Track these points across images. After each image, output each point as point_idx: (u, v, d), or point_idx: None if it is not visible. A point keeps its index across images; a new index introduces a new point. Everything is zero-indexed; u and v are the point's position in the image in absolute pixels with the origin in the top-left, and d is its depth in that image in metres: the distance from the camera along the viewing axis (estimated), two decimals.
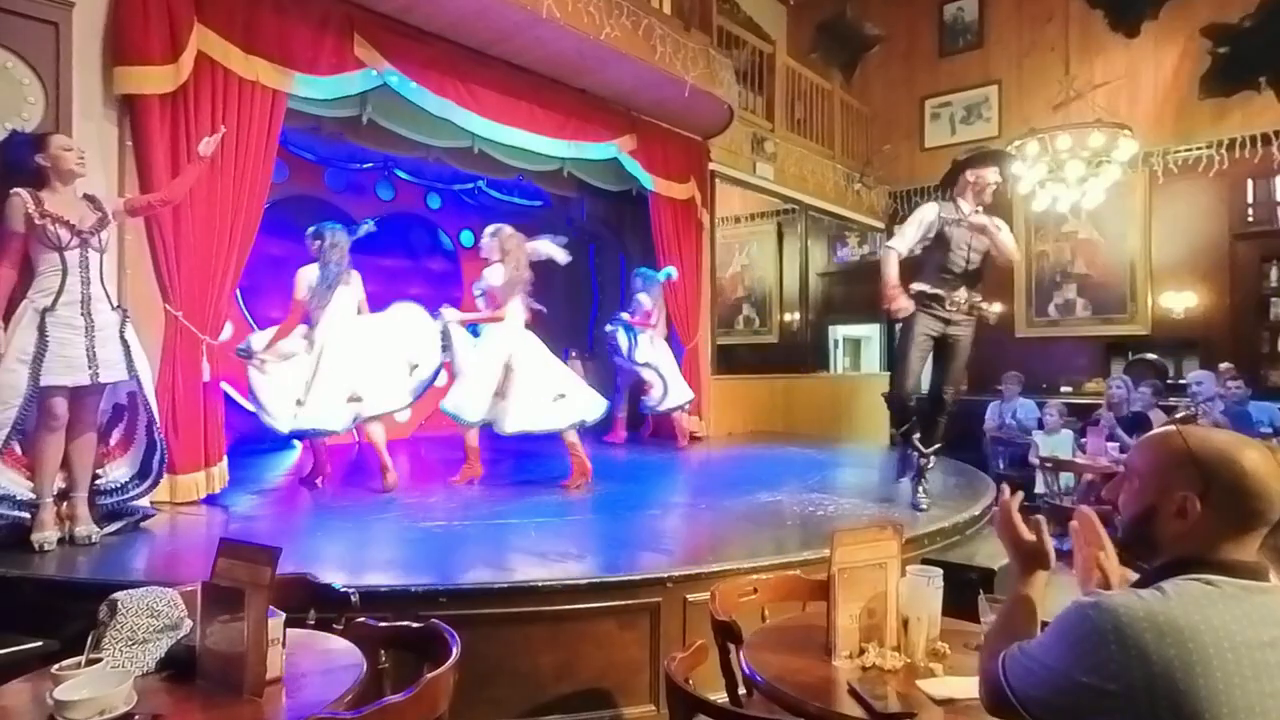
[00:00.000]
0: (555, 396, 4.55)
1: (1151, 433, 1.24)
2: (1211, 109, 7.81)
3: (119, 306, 3.20)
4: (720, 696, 1.78)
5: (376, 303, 4.75)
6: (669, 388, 6.48)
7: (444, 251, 7.59)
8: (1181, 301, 8.01)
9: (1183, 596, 1.02)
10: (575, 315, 7.85)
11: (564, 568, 2.82)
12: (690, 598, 2.67)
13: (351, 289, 4.45)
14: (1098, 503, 4.80)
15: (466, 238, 7.45)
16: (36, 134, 3.17)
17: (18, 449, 2.97)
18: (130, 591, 1.65)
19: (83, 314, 3.00)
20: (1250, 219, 7.80)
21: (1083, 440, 5.71)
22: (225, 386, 4.23)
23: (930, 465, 4.01)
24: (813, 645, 1.74)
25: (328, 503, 4.19)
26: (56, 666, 1.45)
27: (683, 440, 6.69)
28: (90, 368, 2.99)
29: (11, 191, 2.94)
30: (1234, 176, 7.72)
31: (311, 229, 4.48)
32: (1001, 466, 7.02)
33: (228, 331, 4.32)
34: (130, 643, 1.56)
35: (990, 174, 3.90)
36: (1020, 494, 1.45)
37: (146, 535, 3.28)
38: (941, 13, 9.59)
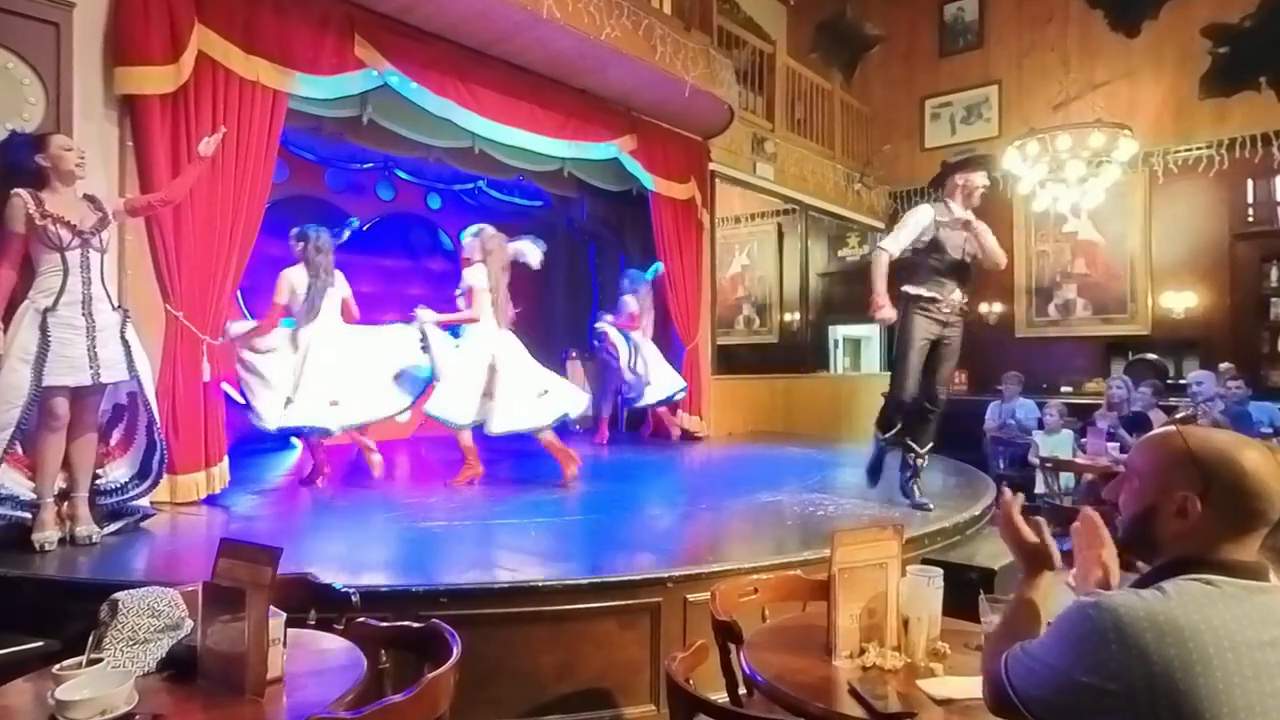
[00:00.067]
0: (539, 394, 4.61)
1: (1152, 433, 1.24)
2: (1211, 109, 7.82)
3: (120, 306, 3.20)
4: (721, 696, 1.78)
5: (376, 302, 4.76)
6: (652, 383, 6.49)
7: (444, 252, 7.59)
8: (1181, 301, 8.01)
9: (1183, 596, 1.02)
10: (575, 315, 7.86)
11: (564, 568, 2.82)
12: (691, 598, 2.67)
13: (337, 289, 4.54)
14: (1098, 503, 4.81)
15: None
16: (37, 134, 3.17)
17: (19, 449, 2.97)
18: (131, 591, 1.65)
19: (84, 314, 3.00)
20: (1250, 219, 7.80)
21: (1083, 440, 5.71)
22: (226, 387, 4.24)
23: (925, 465, 4.03)
24: (813, 645, 1.74)
25: (328, 503, 4.19)
26: (58, 666, 1.45)
27: (674, 434, 6.70)
28: (91, 368, 2.99)
29: (12, 192, 2.94)
30: (1234, 176, 7.72)
31: (295, 230, 4.53)
32: (1001, 466, 7.02)
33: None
34: (131, 643, 1.56)
35: (979, 178, 3.94)
36: (1021, 495, 1.45)
37: (147, 535, 3.29)
38: (941, 13, 9.59)
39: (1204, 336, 7.84)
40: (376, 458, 4.54)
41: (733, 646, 1.85)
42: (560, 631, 2.57)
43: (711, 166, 7.28)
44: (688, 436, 6.94)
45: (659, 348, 7.05)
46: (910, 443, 4.01)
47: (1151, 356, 8.06)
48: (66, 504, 3.09)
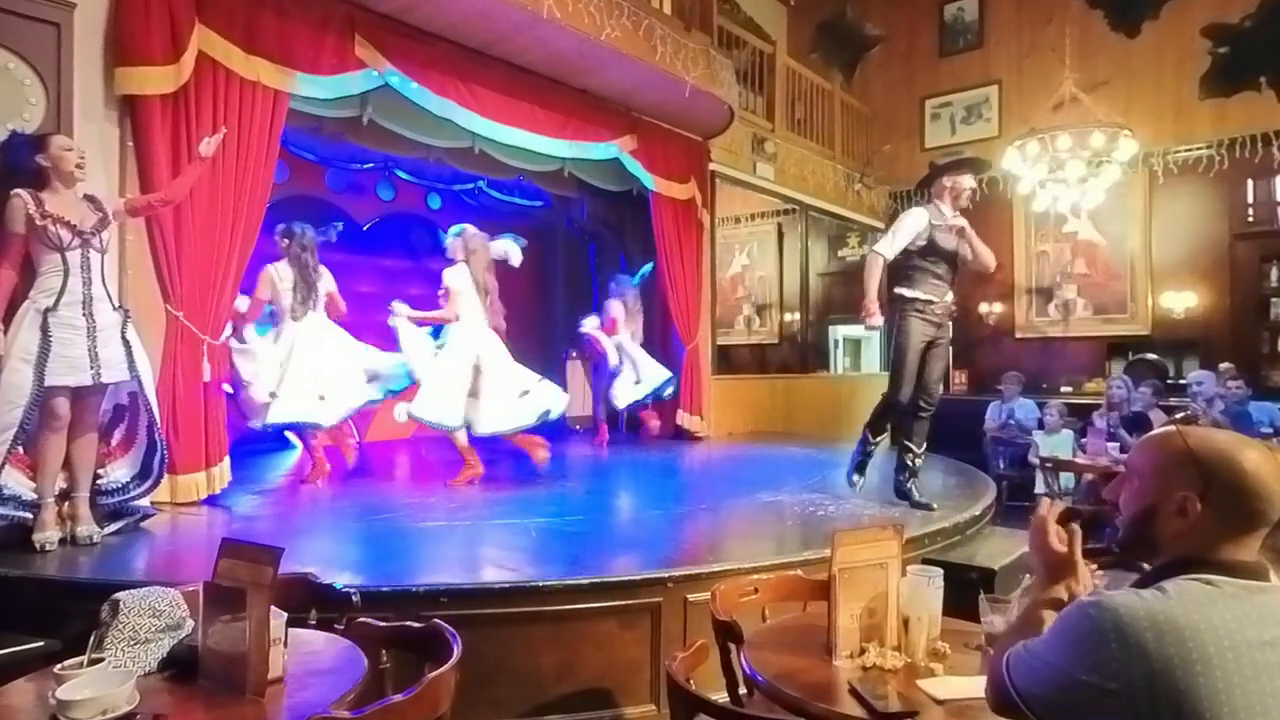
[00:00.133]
0: (520, 393, 4.65)
1: (1152, 433, 1.25)
2: (1211, 109, 7.82)
3: (120, 307, 3.20)
4: (721, 696, 1.78)
5: (376, 302, 4.77)
6: (641, 381, 6.51)
7: (444, 252, 7.56)
8: (1181, 301, 8.02)
9: (1183, 596, 1.02)
10: (575, 316, 7.85)
11: (565, 568, 2.82)
12: (691, 598, 2.67)
13: (323, 283, 4.61)
14: (1098, 502, 4.81)
15: None
16: (37, 135, 3.17)
17: (20, 449, 2.97)
18: (132, 591, 1.65)
19: (84, 314, 3.00)
20: (1250, 219, 7.81)
21: (1083, 440, 5.72)
22: (227, 387, 4.25)
23: (921, 464, 4.05)
24: (813, 645, 1.74)
25: (328, 503, 4.20)
26: (59, 666, 1.45)
27: (653, 427, 6.71)
28: (92, 368, 3.00)
29: (12, 192, 2.94)
30: (1234, 176, 7.72)
31: (280, 227, 4.58)
32: (1002, 466, 7.02)
33: (228, 331, 4.34)
34: (132, 642, 1.56)
35: (966, 180, 3.97)
36: (1059, 503, 1.43)
37: (147, 535, 3.29)
38: (942, 13, 9.59)
39: (1204, 336, 7.84)
40: (352, 440, 4.63)
41: (733, 646, 1.85)
42: (561, 631, 2.57)
43: (712, 166, 7.28)
44: (685, 435, 6.93)
45: (659, 348, 7.06)
46: (908, 443, 4.02)
47: (1151, 356, 8.06)
48: (67, 504, 3.09)
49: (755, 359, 10.79)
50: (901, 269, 3.90)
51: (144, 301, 3.60)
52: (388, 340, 4.78)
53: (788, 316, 10.52)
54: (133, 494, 3.28)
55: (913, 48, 9.82)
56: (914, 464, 4.00)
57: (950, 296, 3.96)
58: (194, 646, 1.54)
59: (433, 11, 4.69)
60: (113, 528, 3.19)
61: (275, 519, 3.82)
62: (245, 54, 3.95)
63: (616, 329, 6.53)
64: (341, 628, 1.84)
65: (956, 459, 5.66)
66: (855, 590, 1.73)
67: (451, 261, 4.68)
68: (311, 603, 1.92)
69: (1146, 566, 1.18)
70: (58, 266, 2.98)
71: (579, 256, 8.18)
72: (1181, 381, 7.29)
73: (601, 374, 6.69)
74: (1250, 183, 7.72)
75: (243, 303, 4.37)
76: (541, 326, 7.99)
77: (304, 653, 1.65)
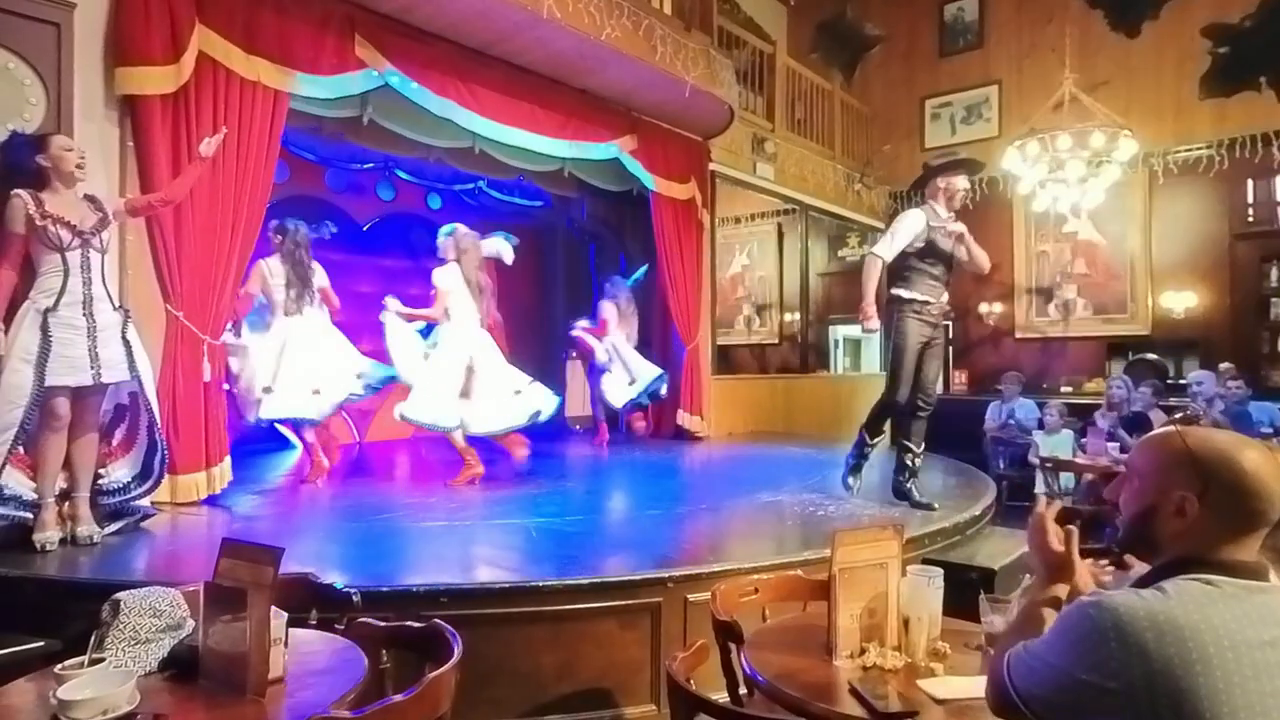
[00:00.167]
0: (514, 392, 4.68)
1: (1152, 433, 1.25)
2: (1211, 109, 7.82)
3: (121, 307, 3.20)
4: (721, 696, 1.78)
5: (377, 302, 4.77)
6: (635, 381, 6.50)
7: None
8: (1181, 301, 8.02)
9: (1183, 596, 1.02)
10: (575, 316, 7.85)
11: (565, 567, 2.82)
12: (691, 598, 2.67)
13: (316, 279, 4.65)
14: (1098, 503, 4.81)
15: None
16: (38, 135, 3.17)
17: (21, 449, 2.97)
18: (133, 591, 1.65)
19: (84, 314, 3.01)
20: (1250, 219, 7.81)
21: (1083, 440, 5.72)
22: (228, 387, 4.25)
23: (920, 464, 4.06)
24: (814, 645, 1.74)
25: (328, 503, 4.20)
26: (60, 666, 1.45)
27: (639, 428, 6.71)
28: (92, 368, 3.00)
29: (12, 193, 2.94)
30: (1234, 176, 7.72)
31: (274, 224, 4.60)
32: (1002, 466, 7.02)
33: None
34: (133, 642, 1.56)
35: (960, 181, 3.98)
36: (1057, 503, 1.44)
37: (148, 535, 3.29)
38: (942, 13, 9.59)
39: (1204, 336, 7.84)
40: (337, 443, 4.74)
41: (733, 646, 1.86)
42: (561, 631, 2.57)
43: (712, 166, 7.28)
44: (685, 435, 6.93)
45: (659, 348, 7.07)
46: (907, 443, 4.02)
47: (1151, 356, 8.06)
48: (68, 504, 3.09)
49: (755, 359, 10.80)
50: (898, 270, 3.91)
51: (144, 301, 3.60)
52: (383, 339, 4.78)
53: (788, 316, 10.53)
54: (134, 494, 3.28)
55: (913, 48, 9.82)
56: (914, 464, 4.00)
57: (945, 297, 3.99)
58: (194, 646, 1.54)
59: (433, 11, 4.69)
60: (113, 528, 3.19)
61: (275, 519, 3.83)
62: (245, 54, 3.95)
63: (607, 330, 6.53)
64: (342, 628, 1.84)
65: (956, 459, 5.67)
66: (855, 590, 1.74)
67: (443, 261, 4.69)
68: (312, 603, 1.92)
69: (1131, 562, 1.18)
70: (58, 267, 2.98)
71: (579, 256, 8.18)
72: (1181, 381, 7.29)
73: (593, 374, 6.69)
74: (1250, 183, 7.72)
75: None
76: (541, 327, 8.00)
77: (304, 653, 1.65)
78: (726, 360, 9.49)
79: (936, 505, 3.87)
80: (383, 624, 1.81)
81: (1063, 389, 8.33)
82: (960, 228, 3.93)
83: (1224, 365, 6.46)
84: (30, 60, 3.31)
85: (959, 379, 9.44)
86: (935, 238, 3.86)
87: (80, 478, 3.10)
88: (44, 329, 2.91)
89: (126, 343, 3.14)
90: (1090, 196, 6.89)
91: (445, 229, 4.83)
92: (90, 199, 3.15)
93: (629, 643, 2.63)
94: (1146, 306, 8.23)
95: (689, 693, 1.50)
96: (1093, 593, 1.11)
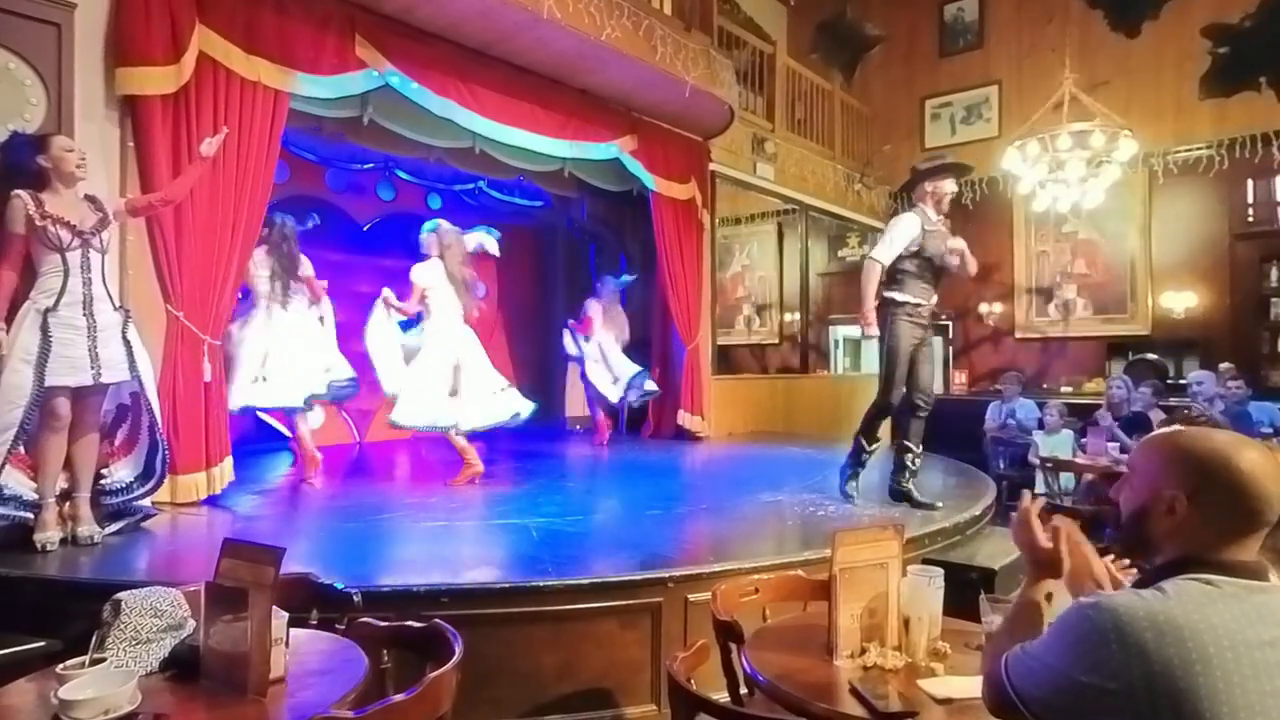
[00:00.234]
0: (501, 389, 4.72)
1: (1152, 433, 1.25)
2: (1211, 109, 7.82)
3: (121, 307, 3.21)
4: (722, 696, 1.78)
5: (374, 302, 4.79)
6: (618, 380, 6.50)
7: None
8: (1181, 301, 8.02)
9: (1182, 596, 1.02)
10: (575, 318, 7.86)
11: (565, 567, 2.82)
12: (691, 598, 2.67)
13: (302, 270, 4.69)
14: (1098, 503, 4.81)
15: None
16: (38, 135, 3.17)
17: (21, 449, 2.97)
18: (134, 591, 1.65)
19: (85, 314, 3.01)
20: (1250, 219, 7.81)
21: (1083, 440, 5.71)
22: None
23: (920, 465, 4.08)
24: (814, 645, 1.75)
25: (329, 503, 4.20)
26: (61, 666, 1.45)
27: (601, 436, 6.64)
28: (92, 368, 3.00)
29: (12, 193, 2.95)
30: (1234, 176, 7.73)
31: None
32: (1002, 466, 7.02)
33: None
34: (134, 642, 1.56)
35: (948, 185, 4.00)
36: (1041, 499, 1.44)
37: (148, 535, 3.29)
38: (942, 13, 9.60)
39: (1204, 336, 7.84)
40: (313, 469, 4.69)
41: (734, 646, 1.86)
42: (561, 631, 2.57)
43: (712, 167, 7.28)
44: (685, 435, 6.93)
45: (659, 348, 7.07)
46: (906, 443, 4.04)
47: (1151, 356, 8.06)
48: (68, 504, 3.09)
49: (755, 359, 10.80)
50: (890, 273, 3.94)
51: (144, 301, 3.60)
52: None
53: (788, 316, 10.53)
54: (136, 494, 3.29)
55: (913, 48, 9.82)
56: (914, 464, 4.01)
57: (935, 299, 4.03)
58: (196, 646, 1.55)
59: (433, 12, 4.69)
60: (114, 528, 3.19)
61: (276, 519, 3.83)
62: (246, 54, 3.95)
63: (591, 329, 6.53)
64: (342, 628, 1.84)
65: (956, 459, 5.67)
66: (856, 590, 1.74)
67: (425, 257, 4.69)
68: (313, 603, 1.93)
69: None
70: (58, 267, 2.98)
71: (579, 256, 8.18)
72: (1181, 381, 7.29)
73: (584, 373, 6.70)
74: (1250, 183, 7.73)
75: None
76: (541, 327, 8.00)
77: (305, 653, 1.65)
78: (727, 360, 9.49)
79: (939, 505, 3.88)
80: (383, 624, 1.81)
81: (1063, 389, 8.33)
82: (961, 244, 3.98)
83: (1224, 365, 6.46)
84: (31, 60, 3.31)
85: (959, 379, 9.45)
86: (928, 241, 3.89)
87: (81, 478, 3.10)
88: (44, 329, 2.91)
89: (127, 343, 3.14)
90: (1090, 196, 6.89)
91: (428, 225, 4.86)
92: (90, 199, 3.15)
93: (629, 643, 2.63)
94: (1146, 306, 8.23)
95: (690, 693, 1.50)
96: (1092, 594, 1.11)
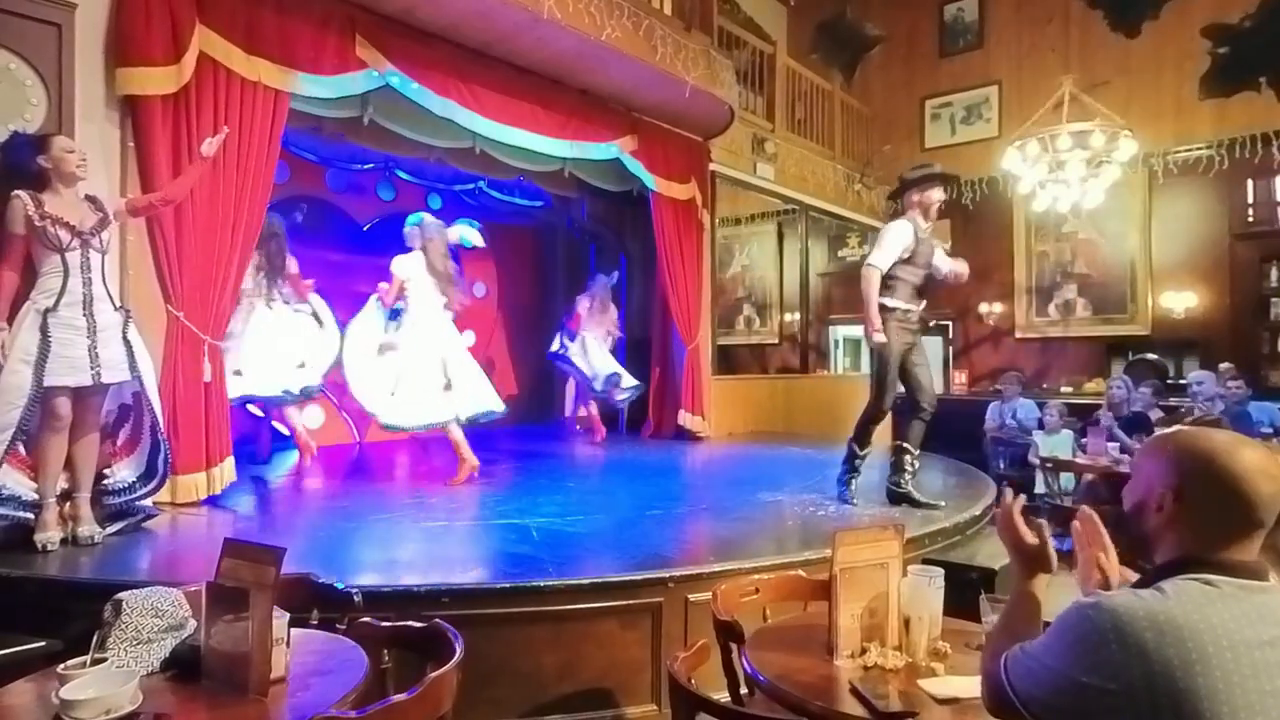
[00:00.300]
0: (482, 378, 4.82)
1: (1157, 432, 1.26)
2: (1211, 109, 7.82)
3: (121, 307, 3.21)
4: (722, 696, 1.78)
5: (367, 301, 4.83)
6: (598, 377, 6.52)
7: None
8: (1181, 301, 8.02)
9: (1182, 596, 1.03)
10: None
11: (566, 567, 2.83)
12: (692, 598, 2.68)
13: (288, 266, 4.79)
14: (1098, 503, 4.81)
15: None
16: (39, 135, 3.17)
17: (21, 450, 2.97)
18: (135, 591, 1.65)
19: (85, 314, 3.01)
20: (1250, 219, 7.81)
21: (1083, 440, 5.72)
22: None
23: (919, 466, 4.11)
24: (814, 645, 1.75)
25: (329, 503, 4.20)
26: (62, 666, 1.45)
27: (597, 436, 6.66)
28: (92, 368, 3.00)
29: (12, 194, 2.95)
30: (1234, 176, 7.73)
31: None
32: (1002, 466, 7.02)
33: None
34: (135, 642, 1.56)
35: (936, 193, 4.05)
36: (1022, 497, 1.45)
37: (149, 535, 3.29)
38: (942, 13, 9.60)
39: (1204, 336, 7.84)
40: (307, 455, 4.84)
41: (734, 646, 1.86)
42: (562, 631, 2.58)
43: (712, 167, 7.28)
44: (686, 435, 6.93)
45: (659, 348, 7.07)
46: (905, 444, 4.05)
47: (1151, 356, 8.06)
48: (69, 504, 3.09)
49: (755, 359, 10.80)
50: (882, 280, 3.96)
51: (144, 301, 3.60)
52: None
53: (788, 316, 10.53)
54: (138, 494, 3.29)
55: (913, 48, 9.82)
56: (913, 467, 4.03)
57: (924, 304, 4.09)
58: (197, 646, 1.55)
59: (433, 12, 4.69)
60: (114, 528, 3.19)
61: (276, 519, 3.83)
62: (246, 54, 3.95)
63: (579, 324, 6.55)
64: (343, 628, 1.84)
65: (956, 459, 5.67)
66: (856, 590, 1.74)
67: (408, 250, 4.71)
68: (313, 603, 1.93)
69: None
70: (58, 267, 2.98)
71: (579, 257, 8.18)
72: (1181, 381, 7.29)
73: (579, 373, 6.72)
74: (1250, 183, 7.73)
75: None
76: (541, 327, 8.00)
77: (306, 652, 1.65)
78: (727, 360, 9.49)
79: (942, 504, 3.89)
80: (384, 624, 1.81)
81: (1063, 389, 8.34)
82: (962, 267, 4.12)
83: (1224, 365, 6.46)
84: (31, 61, 3.31)
85: (959, 379, 9.45)
86: (920, 249, 3.94)
87: (81, 478, 3.10)
88: (43, 329, 2.91)
89: (127, 343, 3.14)
90: (1090, 196, 6.90)
91: (412, 218, 4.90)
92: (91, 199, 3.15)
93: (630, 643, 2.64)
94: (1146, 306, 8.23)
95: (690, 692, 1.50)
96: (1091, 594, 1.11)
